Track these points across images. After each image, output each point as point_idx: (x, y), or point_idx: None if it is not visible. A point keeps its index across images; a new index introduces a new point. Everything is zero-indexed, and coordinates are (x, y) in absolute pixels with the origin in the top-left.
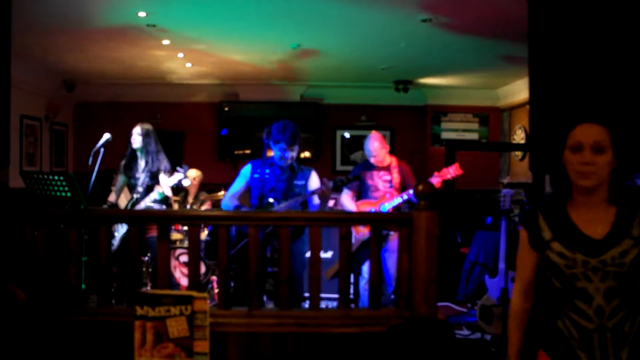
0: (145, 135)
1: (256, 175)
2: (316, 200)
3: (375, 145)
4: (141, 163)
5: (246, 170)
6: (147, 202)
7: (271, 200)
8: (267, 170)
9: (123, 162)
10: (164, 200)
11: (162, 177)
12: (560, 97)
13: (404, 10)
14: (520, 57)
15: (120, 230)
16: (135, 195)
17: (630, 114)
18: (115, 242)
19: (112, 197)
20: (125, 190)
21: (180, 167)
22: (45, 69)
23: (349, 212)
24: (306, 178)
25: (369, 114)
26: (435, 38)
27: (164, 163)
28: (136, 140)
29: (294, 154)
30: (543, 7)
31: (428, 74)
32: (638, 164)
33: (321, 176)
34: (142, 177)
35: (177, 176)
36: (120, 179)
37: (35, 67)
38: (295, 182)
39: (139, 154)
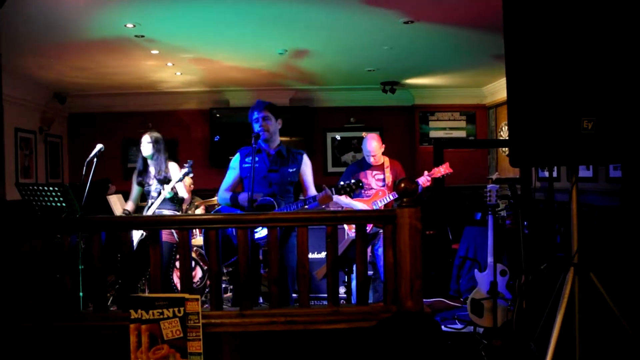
0: (155, 142)
1: (246, 165)
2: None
3: (374, 145)
4: (151, 170)
5: (235, 160)
6: (157, 204)
7: (272, 203)
8: (257, 158)
9: (136, 172)
10: (178, 201)
11: (173, 170)
12: (537, 91)
13: (387, 13)
14: (503, 55)
15: (135, 234)
16: (150, 201)
17: (608, 104)
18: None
19: (129, 206)
20: (121, 198)
21: (185, 163)
22: (37, 83)
23: (334, 211)
24: (298, 163)
25: (358, 115)
26: (418, 39)
27: (170, 171)
28: (146, 148)
29: (269, 122)
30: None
31: (414, 74)
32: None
33: (315, 178)
34: (154, 183)
35: (183, 171)
36: (136, 189)
37: (26, 82)
38: (288, 169)
39: (149, 161)
